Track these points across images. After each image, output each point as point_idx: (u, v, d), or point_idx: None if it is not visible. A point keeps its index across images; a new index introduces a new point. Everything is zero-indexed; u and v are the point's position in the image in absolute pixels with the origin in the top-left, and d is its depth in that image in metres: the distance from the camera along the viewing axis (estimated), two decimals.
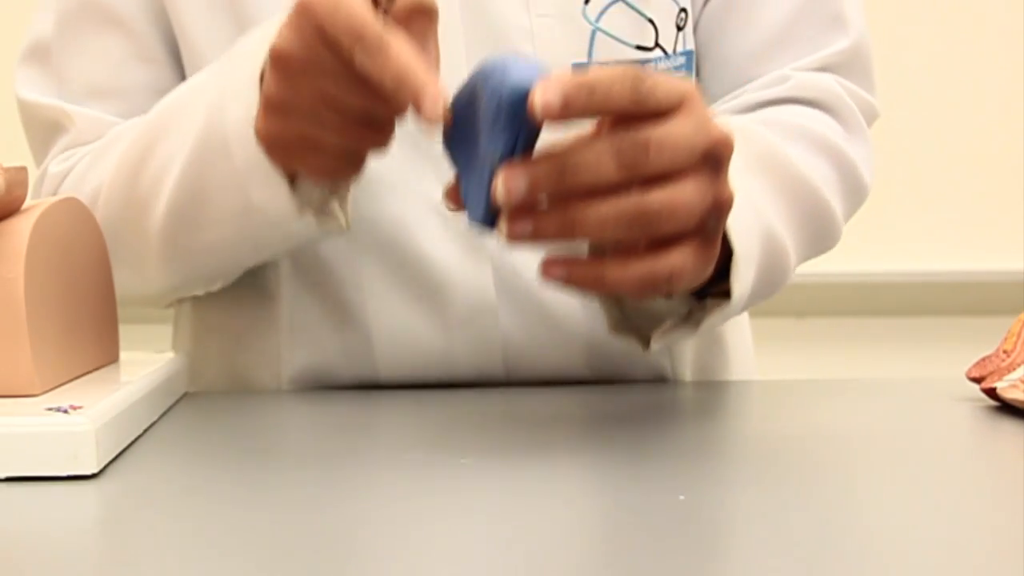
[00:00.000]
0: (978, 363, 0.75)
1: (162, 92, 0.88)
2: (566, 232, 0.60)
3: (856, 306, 1.99)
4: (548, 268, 0.61)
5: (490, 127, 0.60)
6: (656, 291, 0.63)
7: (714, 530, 0.53)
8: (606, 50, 0.84)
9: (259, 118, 0.70)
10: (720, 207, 0.63)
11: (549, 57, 0.83)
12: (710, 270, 0.64)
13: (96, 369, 0.75)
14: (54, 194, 0.87)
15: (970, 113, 1.97)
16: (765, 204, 0.76)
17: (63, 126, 0.88)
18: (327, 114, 0.67)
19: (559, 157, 0.59)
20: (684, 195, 0.60)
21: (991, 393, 0.73)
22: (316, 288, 0.86)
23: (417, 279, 0.83)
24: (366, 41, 0.62)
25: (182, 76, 0.88)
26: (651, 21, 0.85)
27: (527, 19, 0.83)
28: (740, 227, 0.69)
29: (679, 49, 0.87)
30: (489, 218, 0.61)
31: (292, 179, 0.73)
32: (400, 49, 0.62)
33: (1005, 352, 0.74)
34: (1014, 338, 0.75)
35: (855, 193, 0.87)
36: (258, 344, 0.89)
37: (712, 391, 0.82)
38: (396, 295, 0.84)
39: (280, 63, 0.67)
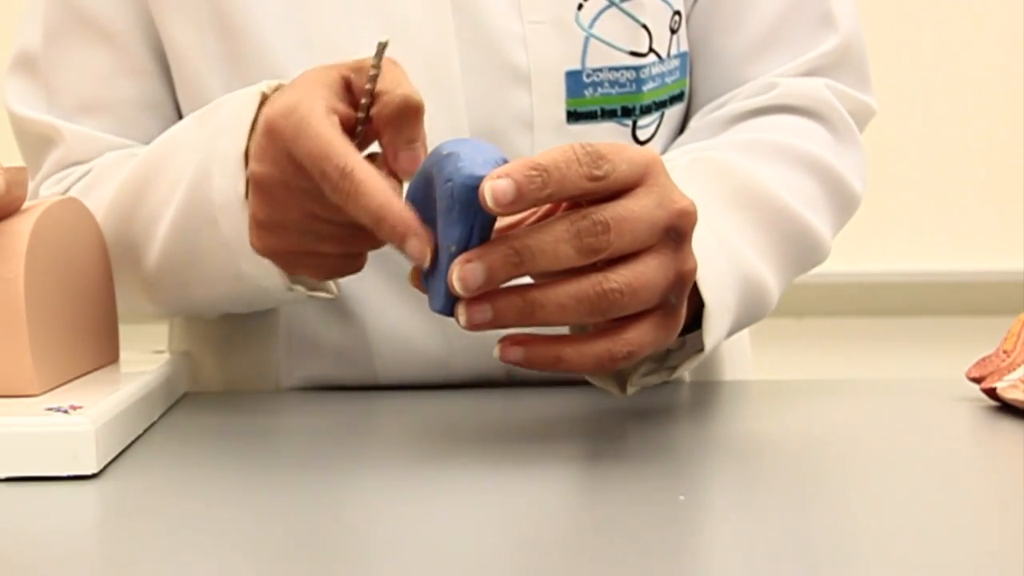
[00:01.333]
0: (978, 363, 0.75)
1: (152, 106, 0.88)
2: (525, 318, 0.59)
3: (856, 306, 1.99)
4: (505, 349, 0.60)
5: (445, 217, 0.59)
6: (614, 368, 0.62)
7: (713, 530, 0.53)
8: (600, 56, 0.84)
9: (253, 235, 0.70)
10: (683, 280, 0.62)
11: (542, 64, 0.83)
12: (674, 337, 0.63)
13: (96, 369, 0.75)
14: None
15: (970, 113, 1.97)
16: (742, 243, 0.75)
17: (53, 141, 0.88)
18: (319, 227, 0.67)
19: (516, 243, 0.58)
20: (646, 275, 0.60)
21: (991, 393, 0.73)
22: None
23: None
24: (329, 179, 0.62)
25: (172, 89, 0.88)
26: (645, 26, 0.85)
27: (520, 26, 0.82)
28: (712, 278, 0.68)
29: (673, 52, 0.87)
30: (448, 307, 0.60)
31: None
32: (369, 184, 0.61)
33: (1005, 352, 0.74)
34: (1014, 338, 0.75)
35: (845, 206, 0.86)
36: (255, 345, 0.88)
37: (711, 391, 0.82)
38: (394, 301, 0.84)
39: (261, 186, 0.67)
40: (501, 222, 0.62)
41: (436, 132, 0.81)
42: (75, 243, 0.74)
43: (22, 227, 0.67)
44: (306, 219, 0.67)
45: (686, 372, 0.70)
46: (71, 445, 0.59)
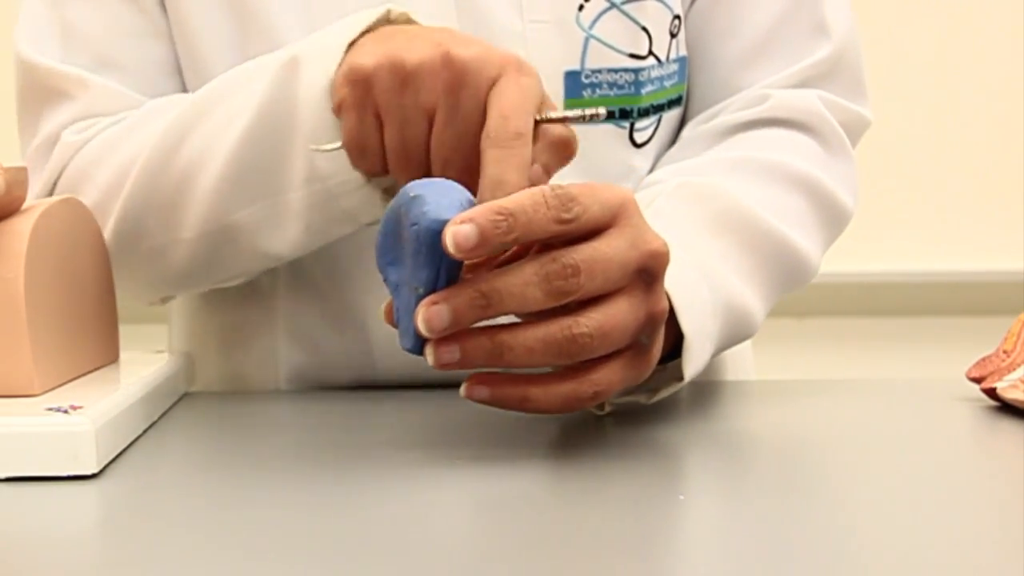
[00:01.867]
0: (978, 363, 0.75)
1: (175, 72, 0.87)
2: (494, 360, 0.59)
3: (856, 306, 1.99)
4: (472, 388, 0.60)
5: (412, 259, 0.59)
6: (581, 408, 0.62)
7: (714, 529, 0.53)
8: (599, 57, 0.84)
9: (375, 60, 0.69)
10: (654, 321, 0.62)
11: (542, 63, 0.83)
12: (645, 376, 0.63)
13: (96, 369, 0.75)
14: (68, 161, 0.84)
15: (970, 113, 1.97)
16: (726, 269, 0.74)
17: (70, 94, 0.85)
18: (418, 120, 0.68)
19: (483, 286, 0.57)
20: (616, 317, 0.59)
21: (991, 393, 0.73)
22: (314, 288, 0.86)
23: None
24: (507, 129, 0.64)
25: None
26: (645, 29, 0.85)
27: (520, 24, 0.83)
28: (693, 308, 0.67)
29: (672, 56, 0.87)
30: (418, 346, 0.60)
31: None
32: (525, 155, 0.64)
33: (1005, 352, 0.74)
34: (1014, 338, 0.75)
35: (834, 222, 0.86)
36: (255, 344, 0.88)
37: (711, 391, 0.82)
38: None
39: (398, 69, 0.68)
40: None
41: None
42: (75, 243, 0.74)
43: (22, 227, 0.67)
44: (429, 104, 0.68)
45: (665, 395, 0.70)
46: (71, 445, 0.59)
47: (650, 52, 0.86)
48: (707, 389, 0.82)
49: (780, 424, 0.73)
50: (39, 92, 0.87)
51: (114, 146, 0.82)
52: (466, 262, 0.60)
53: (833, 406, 0.78)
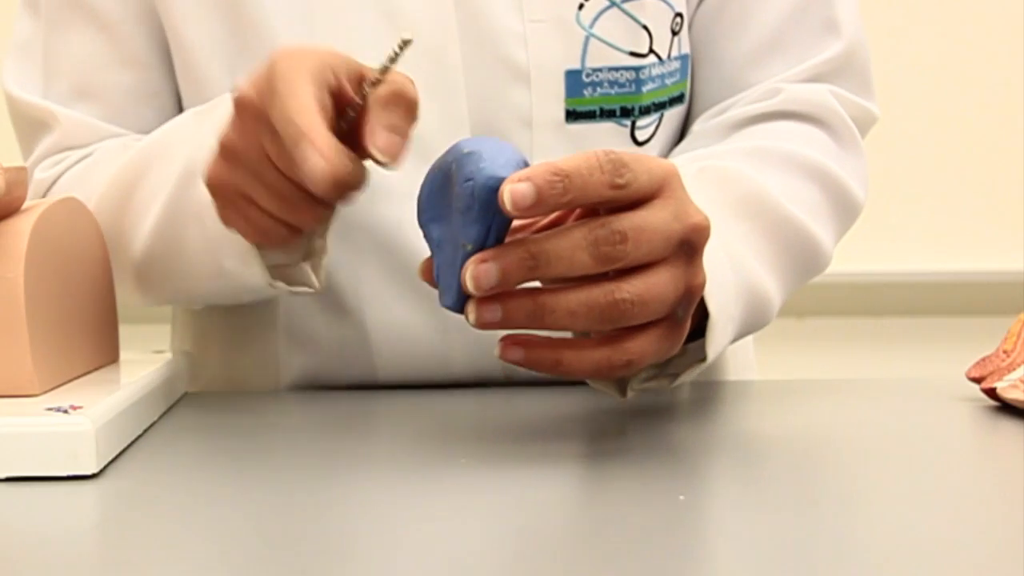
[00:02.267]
0: (978, 363, 0.75)
1: (147, 97, 0.88)
2: (535, 321, 0.59)
3: (856, 306, 1.99)
4: (506, 349, 0.61)
5: (462, 215, 0.59)
6: (612, 376, 0.62)
7: (714, 530, 0.53)
8: (600, 56, 0.84)
9: (209, 163, 0.70)
10: (691, 294, 0.62)
11: (542, 63, 0.83)
12: (676, 349, 0.63)
13: (96, 369, 0.75)
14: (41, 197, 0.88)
15: (970, 113, 1.97)
16: (748, 253, 0.75)
17: (49, 126, 0.88)
18: (268, 172, 0.67)
19: (533, 247, 0.58)
20: (657, 287, 0.60)
21: (991, 393, 0.73)
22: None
23: (415, 281, 0.83)
24: (281, 114, 0.63)
25: (171, 81, 0.88)
26: (645, 27, 0.85)
27: (520, 24, 0.83)
28: (717, 289, 0.68)
29: (674, 54, 0.87)
30: (460, 303, 0.60)
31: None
32: (310, 116, 0.62)
33: (1005, 352, 0.74)
34: (1014, 338, 0.75)
35: (846, 214, 0.86)
36: (256, 346, 0.88)
37: (711, 391, 0.82)
38: (394, 297, 0.84)
39: (238, 108, 0.67)
40: (516, 221, 0.62)
41: (437, 126, 0.82)
42: (75, 243, 0.74)
43: (22, 227, 0.67)
44: (259, 156, 0.66)
45: (687, 380, 0.70)
46: (71, 445, 0.59)
47: (651, 50, 0.85)
48: (710, 389, 0.82)
49: (779, 424, 0.73)
50: (23, 124, 0.91)
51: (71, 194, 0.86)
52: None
53: (834, 406, 0.78)
